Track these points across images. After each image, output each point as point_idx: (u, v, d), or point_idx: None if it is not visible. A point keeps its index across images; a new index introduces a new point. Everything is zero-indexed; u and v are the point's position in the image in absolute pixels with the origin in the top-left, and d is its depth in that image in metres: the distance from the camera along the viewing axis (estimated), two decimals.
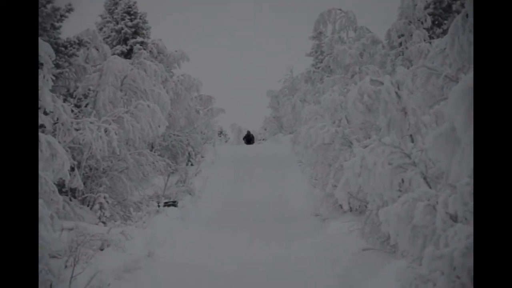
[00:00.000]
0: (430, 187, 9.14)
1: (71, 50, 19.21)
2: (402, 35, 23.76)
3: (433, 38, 23.99)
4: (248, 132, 53.27)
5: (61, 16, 18.93)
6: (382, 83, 9.81)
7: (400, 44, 23.94)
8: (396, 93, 9.78)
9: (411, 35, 23.31)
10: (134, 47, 31.68)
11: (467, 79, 5.04)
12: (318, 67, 36.95)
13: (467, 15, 8.53)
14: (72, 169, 17.20)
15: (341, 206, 17.45)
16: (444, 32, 23.71)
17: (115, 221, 17.25)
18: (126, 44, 32.20)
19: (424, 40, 22.77)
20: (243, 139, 52.96)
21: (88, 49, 21.33)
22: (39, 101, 15.79)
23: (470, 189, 7.24)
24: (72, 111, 18.65)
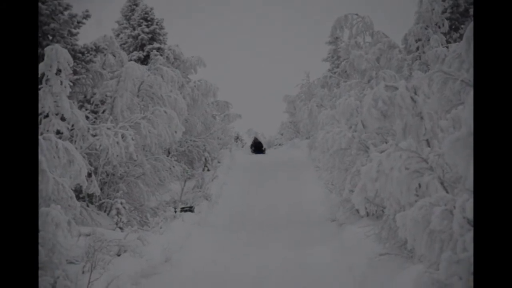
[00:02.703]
0: (447, 192, 9.10)
1: (88, 56, 19.31)
2: (419, 40, 23.69)
3: (450, 42, 23.91)
4: (255, 139, 45.53)
5: (78, 22, 19.05)
6: (397, 89, 9.79)
7: (417, 48, 23.86)
8: (412, 98, 9.74)
9: (428, 40, 23.23)
10: (151, 53, 31.82)
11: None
12: (335, 72, 36.98)
13: None
14: (89, 175, 17.27)
15: (358, 211, 17.46)
16: (461, 37, 23.62)
17: (132, 227, 17.29)
18: (143, 50, 32.34)
19: (442, 45, 22.68)
20: (251, 147, 45.07)
21: (105, 55, 21.43)
22: (57, 108, 15.88)
23: None
24: (88, 117, 18.73)
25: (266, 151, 44.44)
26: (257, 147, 44.13)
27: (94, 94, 20.37)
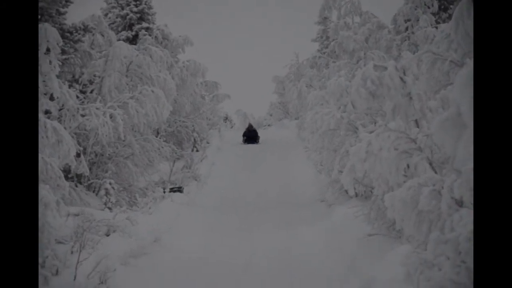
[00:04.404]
0: (435, 172, 9.14)
1: (76, 36, 19.21)
2: (409, 20, 23.69)
3: (439, 23, 23.90)
4: (249, 127, 39.16)
5: (66, 1, 18.94)
6: (386, 69, 9.78)
7: (407, 29, 23.86)
8: (401, 78, 9.75)
9: (418, 20, 23.24)
10: (140, 32, 31.66)
11: (472, 64, 5.01)
12: (324, 53, 36.91)
13: None
14: (78, 155, 17.23)
15: (346, 191, 17.50)
16: (450, 17, 23.61)
17: (121, 207, 17.29)
18: (132, 30, 32.18)
19: (431, 25, 22.69)
20: (243, 136, 38.56)
21: (93, 35, 21.31)
22: (45, 87, 15.82)
23: None
24: (78, 97, 18.66)
25: (257, 142, 38.12)
26: (250, 136, 38.02)
27: (83, 74, 20.30)
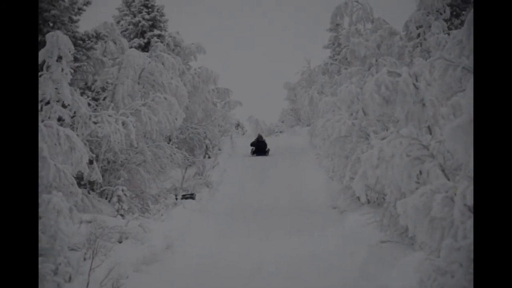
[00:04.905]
0: (448, 179, 9.12)
1: (89, 43, 19.28)
2: (421, 26, 23.64)
3: (451, 29, 23.85)
4: (259, 137, 36.64)
5: (79, 9, 19.02)
6: (399, 75, 9.78)
7: (419, 35, 23.81)
8: (414, 84, 9.74)
9: (430, 26, 23.18)
10: (152, 40, 31.75)
11: None
12: (336, 59, 36.90)
13: None
14: (91, 162, 17.29)
15: (358, 198, 17.48)
16: (462, 23, 23.57)
17: (133, 214, 17.32)
18: (144, 37, 32.28)
19: (443, 31, 22.63)
20: (251, 145, 36.13)
21: (105, 42, 21.38)
22: (58, 95, 15.88)
23: None
24: (90, 104, 18.72)
25: (266, 154, 35.77)
26: (259, 148, 35.77)
27: (95, 81, 20.36)
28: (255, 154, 35.42)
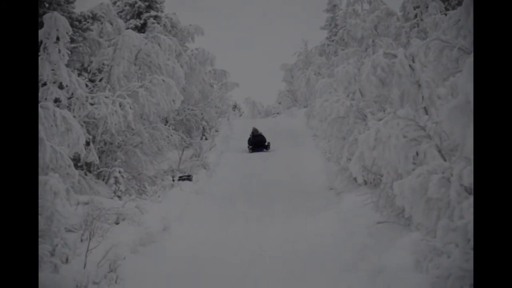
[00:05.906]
0: (444, 160, 9.13)
1: (85, 24, 19.19)
2: (418, 7, 23.60)
3: (449, 9, 23.79)
4: (254, 131, 31.51)
5: None
6: (395, 56, 9.76)
7: (416, 16, 23.77)
8: (410, 66, 9.72)
9: (427, 7, 23.13)
10: (148, 21, 31.65)
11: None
12: (333, 40, 36.80)
13: None
14: (88, 143, 17.26)
15: (355, 179, 17.46)
16: (460, 3, 23.49)
17: (130, 195, 17.33)
18: (140, 18, 32.16)
19: (440, 12, 22.58)
20: (248, 143, 31.19)
21: (102, 23, 21.29)
22: (54, 76, 15.84)
23: None
24: (87, 85, 18.67)
25: (265, 150, 30.97)
26: (257, 143, 31.08)
27: (91, 62, 20.29)
28: (253, 151, 30.76)
